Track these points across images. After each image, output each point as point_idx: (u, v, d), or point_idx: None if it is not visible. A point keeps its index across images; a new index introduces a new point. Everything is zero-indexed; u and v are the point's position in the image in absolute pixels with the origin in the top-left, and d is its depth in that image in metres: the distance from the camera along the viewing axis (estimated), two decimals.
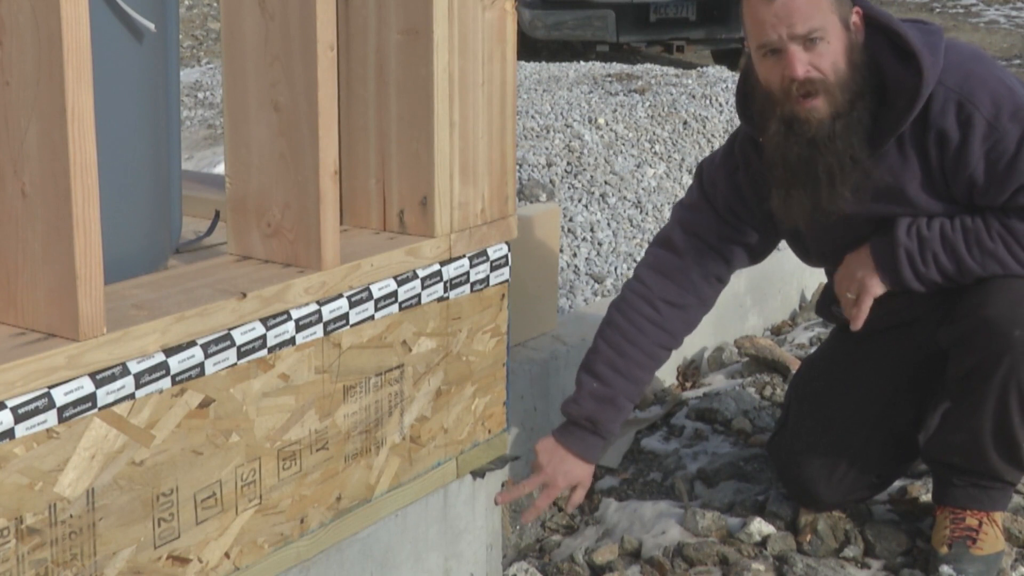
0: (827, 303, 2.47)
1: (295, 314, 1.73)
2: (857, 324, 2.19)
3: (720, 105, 4.93)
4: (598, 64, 6.64)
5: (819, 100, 2.05)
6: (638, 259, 3.03)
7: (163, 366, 1.54)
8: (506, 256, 2.14)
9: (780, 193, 2.18)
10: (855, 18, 2.07)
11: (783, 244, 2.48)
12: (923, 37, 2.07)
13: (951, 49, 2.08)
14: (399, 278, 1.91)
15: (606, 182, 4.05)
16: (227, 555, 1.69)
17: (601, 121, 4.64)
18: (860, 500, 2.39)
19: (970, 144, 2.04)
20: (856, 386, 2.37)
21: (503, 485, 2.30)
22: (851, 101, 2.06)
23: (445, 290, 2.01)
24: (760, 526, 2.34)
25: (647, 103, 4.94)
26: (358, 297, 1.83)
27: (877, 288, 2.15)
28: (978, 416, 2.12)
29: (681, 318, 2.36)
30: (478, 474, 2.17)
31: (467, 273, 2.05)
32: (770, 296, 3.62)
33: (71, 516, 1.46)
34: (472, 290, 2.07)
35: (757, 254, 2.41)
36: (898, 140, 2.10)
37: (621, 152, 4.33)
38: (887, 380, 2.35)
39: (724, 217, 2.33)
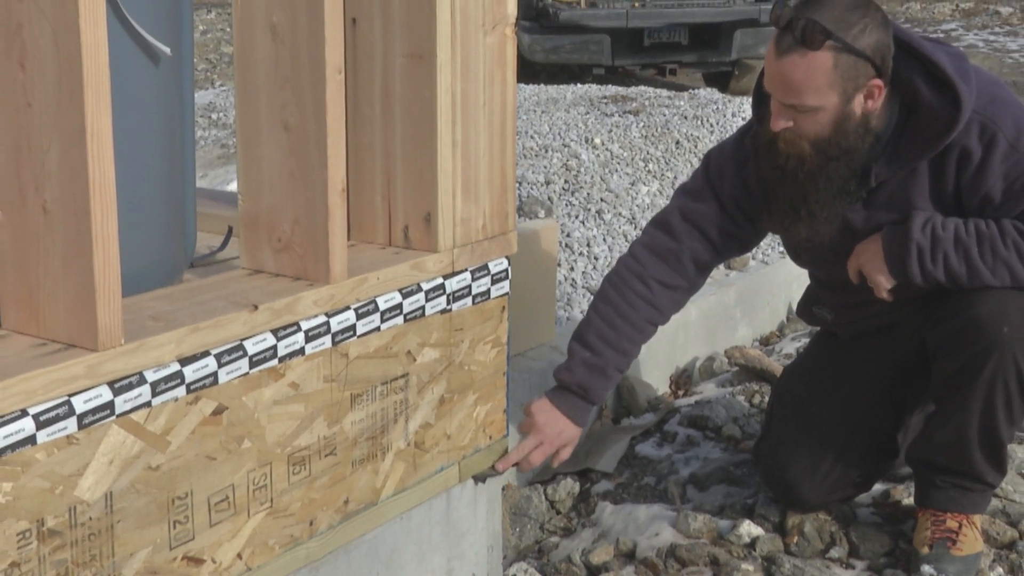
0: (808, 305, 2.50)
1: (304, 325, 1.74)
2: (888, 298, 2.22)
3: (711, 125, 4.97)
4: (594, 86, 6.66)
5: (797, 145, 2.12)
6: None
7: (178, 375, 1.55)
8: (506, 270, 2.14)
9: (775, 212, 2.23)
10: (867, 92, 2.06)
11: (772, 259, 2.52)
12: (954, 64, 2.09)
13: (976, 74, 2.13)
14: (404, 291, 1.91)
15: (602, 199, 4.09)
16: (239, 556, 1.70)
17: (597, 141, 4.69)
18: (843, 500, 2.41)
19: (991, 163, 2.09)
20: (838, 389, 2.39)
21: (503, 489, 2.30)
22: (832, 157, 2.10)
23: (448, 302, 2.01)
24: (749, 528, 2.36)
25: (641, 124, 4.99)
26: (365, 309, 1.84)
27: (886, 283, 2.18)
28: (964, 413, 2.14)
29: (671, 298, 2.37)
30: (479, 479, 2.18)
31: (469, 286, 2.06)
32: (759, 308, 3.63)
33: (90, 519, 1.47)
34: (474, 302, 2.08)
35: (749, 246, 2.43)
36: None
37: (616, 170, 4.37)
38: (868, 383, 2.38)
39: (728, 209, 2.33)
